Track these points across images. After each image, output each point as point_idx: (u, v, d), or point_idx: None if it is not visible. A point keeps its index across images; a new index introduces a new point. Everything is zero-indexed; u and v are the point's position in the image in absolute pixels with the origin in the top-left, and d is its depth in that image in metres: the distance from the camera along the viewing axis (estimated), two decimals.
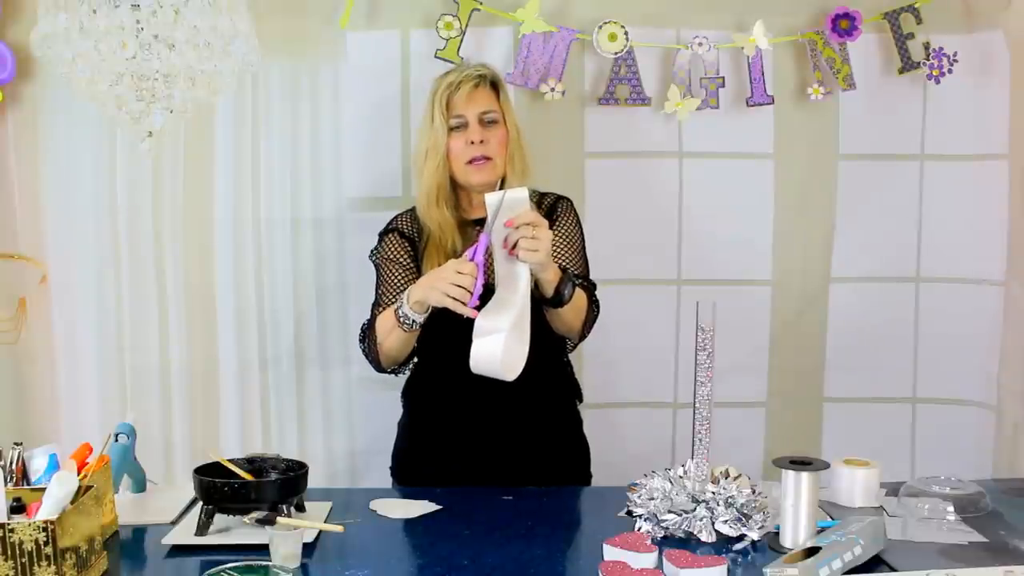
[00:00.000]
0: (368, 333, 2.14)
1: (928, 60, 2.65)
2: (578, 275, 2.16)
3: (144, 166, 2.58)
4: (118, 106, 1.83)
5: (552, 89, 2.60)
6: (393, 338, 2.06)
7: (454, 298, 1.86)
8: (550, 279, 1.98)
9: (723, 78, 2.64)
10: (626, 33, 2.60)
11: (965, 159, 2.74)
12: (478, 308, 1.88)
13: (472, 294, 1.86)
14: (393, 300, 2.13)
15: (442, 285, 1.87)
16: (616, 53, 2.61)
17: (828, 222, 2.76)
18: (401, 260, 2.19)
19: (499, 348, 1.84)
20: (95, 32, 1.75)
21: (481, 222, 2.16)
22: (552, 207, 2.24)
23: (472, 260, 1.88)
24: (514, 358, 1.88)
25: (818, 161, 2.74)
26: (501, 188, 2.16)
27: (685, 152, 2.72)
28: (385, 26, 2.62)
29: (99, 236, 2.62)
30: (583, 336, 2.20)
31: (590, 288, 2.19)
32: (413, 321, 2.00)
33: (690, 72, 2.65)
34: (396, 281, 2.17)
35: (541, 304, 2.03)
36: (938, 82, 2.66)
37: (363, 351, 2.17)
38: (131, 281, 2.64)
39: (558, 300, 2.01)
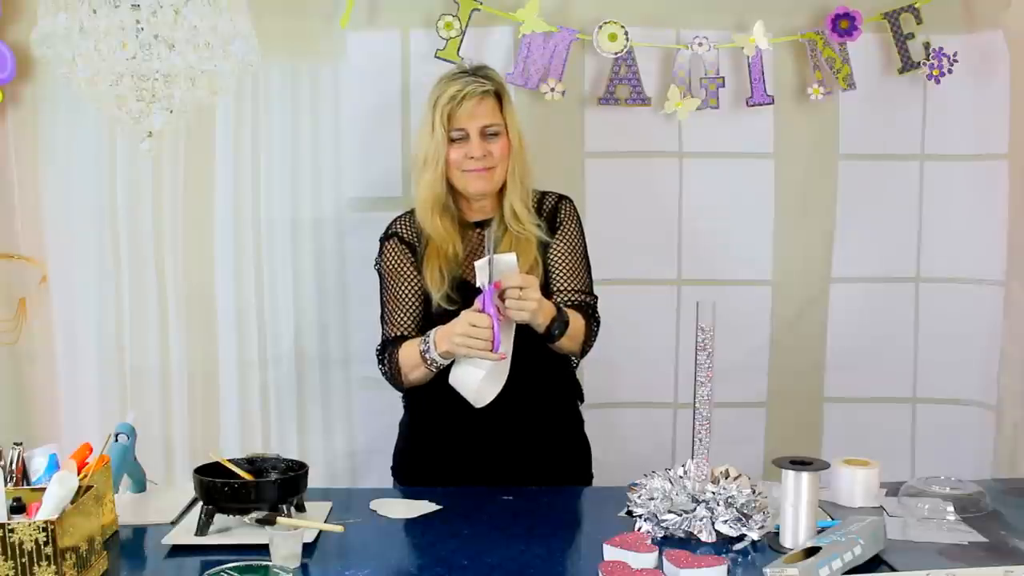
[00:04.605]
0: (390, 362, 2.15)
1: (928, 60, 2.65)
2: (579, 290, 2.18)
3: (144, 166, 2.58)
4: (118, 106, 1.83)
5: (552, 89, 2.60)
6: (418, 373, 2.11)
7: (478, 348, 1.93)
8: (541, 322, 2.03)
9: (723, 78, 2.64)
10: (626, 33, 2.60)
11: (965, 159, 2.74)
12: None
13: (493, 342, 1.93)
14: (401, 317, 2.16)
15: (463, 340, 1.95)
16: (616, 53, 2.61)
17: (828, 222, 2.76)
18: (404, 271, 2.19)
19: (475, 383, 2.01)
20: (95, 32, 1.75)
21: (481, 224, 2.18)
22: (554, 209, 2.24)
23: (484, 311, 1.94)
24: (486, 393, 2.03)
25: (818, 161, 2.73)
26: (500, 196, 2.18)
27: (685, 152, 2.72)
28: (385, 26, 2.61)
29: (99, 236, 2.62)
30: (583, 354, 2.21)
31: (591, 305, 2.19)
32: (441, 365, 2.06)
33: (690, 72, 2.64)
34: (402, 295, 2.18)
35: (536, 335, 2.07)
36: (938, 82, 2.66)
37: (382, 373, 2.19)
38: (131, 281, 2.64)
39: (549, 338, 2.06)
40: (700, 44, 2.62)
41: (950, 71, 2.65)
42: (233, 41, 1.83)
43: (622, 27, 2.60)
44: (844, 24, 2.61)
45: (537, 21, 2.57)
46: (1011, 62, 2.67)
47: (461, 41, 2.56)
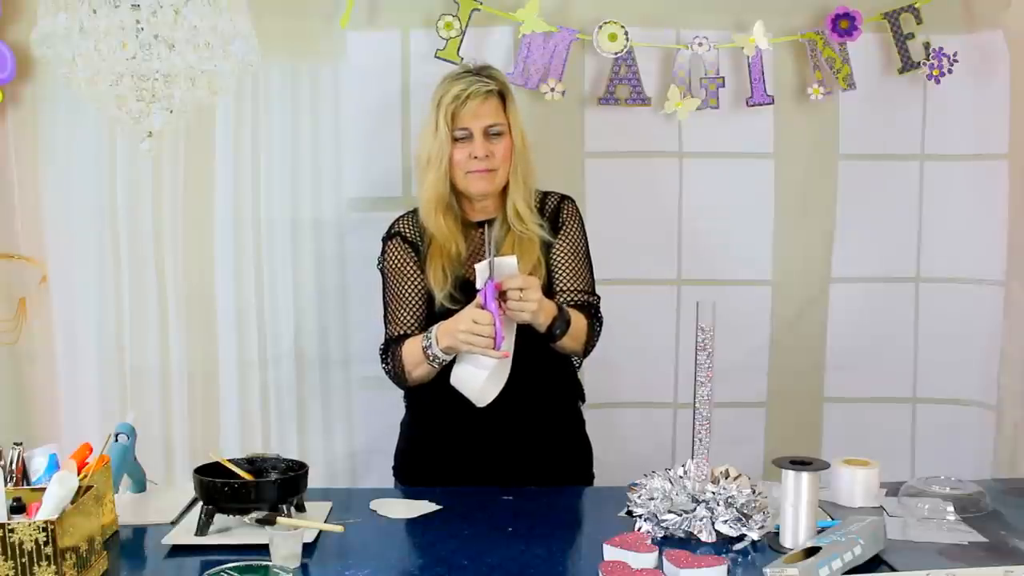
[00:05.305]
0: (393, 360, 2.15)
1: (928, 60, 2.65)
2: (581, 290, 2.18)
3: (144, 166, 2.58)
4: (118, 106, 1.83)
5: (552, 89, 2.60)
6: (422, 370, 2.11)
7: (481, 346, 1.94)
8: (542, 322, 2.04)
9: (723, 78, 2.64)
10: (626, 33, 2.60)
11: (965, 159, 2.74)
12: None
13: (495, 339, 1.93)
14: (404, 316, 2.16)
15: (465, 336, 1.95)
16: (616, 53, 2.61)
17: (828, 222, 2.76)
18: (407, 270, 2.19)
19: (479, 383, 2.01)
20: (95, 32, 1.75)
21: (483, 224, 2.18)
22: (556, 209, 2.24)
23: (485, 308, 1.95)
24: (488, 393, 2.02)
25: (818, 161, 2.73)
26: (503, 196, 2.19)
27: (685, 152, 2.72)
28: (385, 26, 2.61)
29: (99, 236, 2.62)
30: (586, 353, 2.22)
31: (593, 305, 2.20)
32: (443, 361, 2.06)
33: (690, 72, 2.64)
34: (405, 294, 2.18)
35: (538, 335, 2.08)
36: (938, 82, 2.66)
37: (386, 372, 2.20)
38: (131, 281, 2.64)
39: (551, 338, 2.06)
40: (700, 44, 2.62)
41: (950, 71, 2.65)
42: (233, 41, 1.83)
43: (622, 27, 2.60)
44: (844, 24, 2.61)
45: (537, 21, 2.57)
46: (1011, 62, 2.67)
47: (461, 41, 2.56)
